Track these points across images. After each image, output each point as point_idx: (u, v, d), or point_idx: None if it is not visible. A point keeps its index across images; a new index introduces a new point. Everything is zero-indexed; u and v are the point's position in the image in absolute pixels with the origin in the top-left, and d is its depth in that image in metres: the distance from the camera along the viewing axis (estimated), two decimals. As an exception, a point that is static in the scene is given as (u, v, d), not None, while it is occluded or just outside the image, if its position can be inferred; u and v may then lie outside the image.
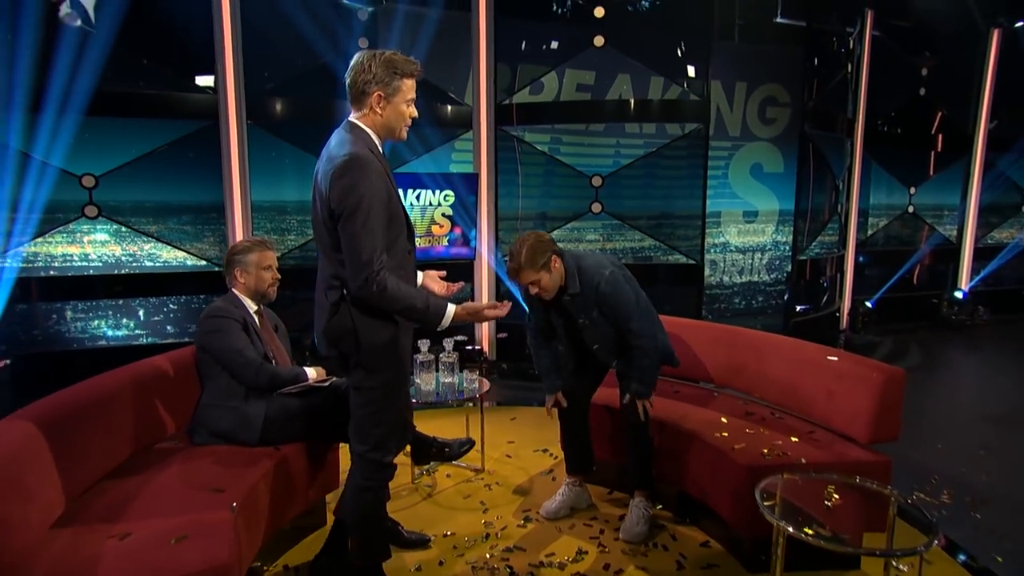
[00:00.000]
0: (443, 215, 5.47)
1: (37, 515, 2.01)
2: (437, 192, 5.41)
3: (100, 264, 5.18)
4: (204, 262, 5.30)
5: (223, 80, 4.91)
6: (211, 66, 4.90)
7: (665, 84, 6.41)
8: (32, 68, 4.52)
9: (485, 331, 5.91)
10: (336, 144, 2.15)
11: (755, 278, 7.66)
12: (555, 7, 6.11)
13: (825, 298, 7.27)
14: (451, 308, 2.22)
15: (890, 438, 2.81)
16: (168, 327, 5.47)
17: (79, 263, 5.13)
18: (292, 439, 2.78)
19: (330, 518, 2.82)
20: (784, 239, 7.48)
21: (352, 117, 2.22)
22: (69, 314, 5.28)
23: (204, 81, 5.02)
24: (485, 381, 3.56)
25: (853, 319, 7.54)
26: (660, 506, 3.23)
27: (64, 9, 4.54)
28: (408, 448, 3.10)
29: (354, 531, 2.47)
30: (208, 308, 2.83)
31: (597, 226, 6.46)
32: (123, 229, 5.12)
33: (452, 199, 5.45)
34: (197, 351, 2.81)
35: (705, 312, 7.49)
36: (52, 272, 5.03)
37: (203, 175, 5.16)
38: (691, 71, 5.89)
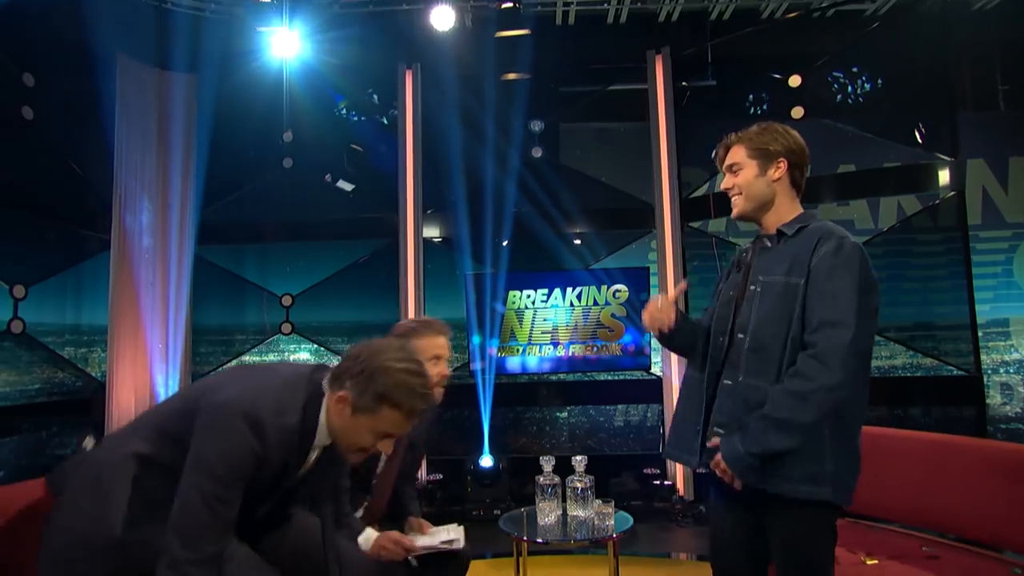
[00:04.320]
0: (612, 316, 4.45)
1: None
2: (603, 289, 4.45)
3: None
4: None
5: (404, 200, 4.80)
6: (394, 189, 4.83)
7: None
8: (253, 206, 4.89)
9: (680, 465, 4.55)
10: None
11: (1082, 409, 5.13)
12: (748, 104, 5.20)
13: None
14: None
15: None
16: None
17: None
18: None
19: None
20: None
21: None
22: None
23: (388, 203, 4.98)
24: (610, 513, 2.36)
25: None
26: None
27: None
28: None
29: None
30: None
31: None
32: (319, 347, 5.08)
33: (625, 296, 4.39)
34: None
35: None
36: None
37: (391, 295, 4.97)
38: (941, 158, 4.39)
